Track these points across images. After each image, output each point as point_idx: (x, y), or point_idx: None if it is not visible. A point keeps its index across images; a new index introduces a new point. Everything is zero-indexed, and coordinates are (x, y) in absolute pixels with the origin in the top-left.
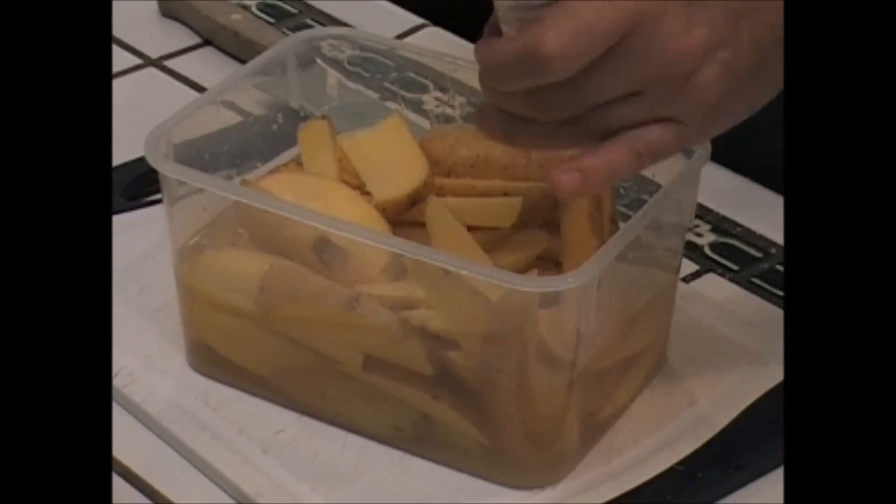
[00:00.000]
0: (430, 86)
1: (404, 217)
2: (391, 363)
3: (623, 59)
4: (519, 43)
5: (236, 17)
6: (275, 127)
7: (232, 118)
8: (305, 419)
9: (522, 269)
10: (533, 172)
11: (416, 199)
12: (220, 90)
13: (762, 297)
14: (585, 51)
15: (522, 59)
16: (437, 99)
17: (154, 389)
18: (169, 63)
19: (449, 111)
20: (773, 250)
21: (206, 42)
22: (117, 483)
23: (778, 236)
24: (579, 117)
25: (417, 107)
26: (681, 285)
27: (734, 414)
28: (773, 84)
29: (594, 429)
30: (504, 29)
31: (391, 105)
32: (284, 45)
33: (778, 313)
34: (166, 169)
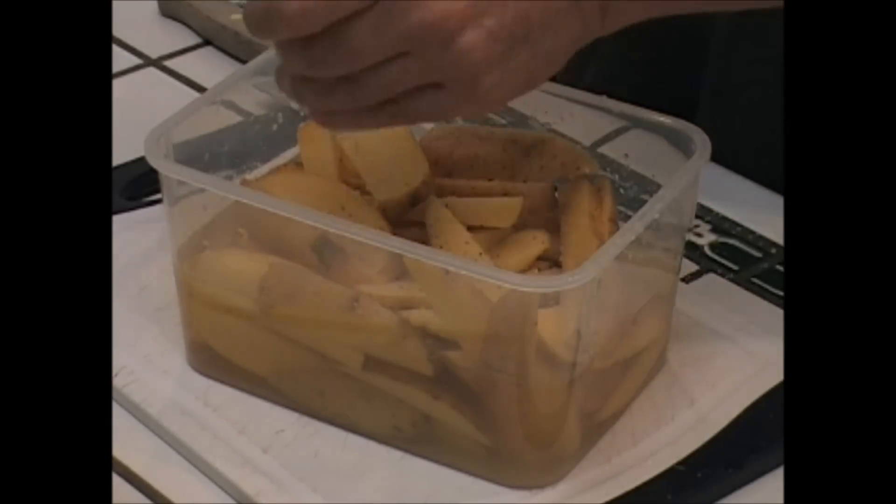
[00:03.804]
0: None
1: (404, 217)
2: (391, 363)
3: (386, 17)
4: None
5: (236, 17)
6: (275, 127)
7: (232, 118)
8: (305, 419)
9: (522, 269)
10: (533, 172)
11: (416, 199)
12: (220, 90)
13: (762, 297)
14: (326, 10)
15: (267, 14)
16: None
17: (154, 389)
18: (169, 63)
19: None
20: (773, 250)
21: (206, 42)
22: (117, 483)
23: (778, 236)
24: (355, 76)
25: None
26: (681, 285)
27: (734, 414)
28: (549, 60)
29: (594, 429)
30: None
31: None
32: None
33: (778, 313)
34: (166, 169)
